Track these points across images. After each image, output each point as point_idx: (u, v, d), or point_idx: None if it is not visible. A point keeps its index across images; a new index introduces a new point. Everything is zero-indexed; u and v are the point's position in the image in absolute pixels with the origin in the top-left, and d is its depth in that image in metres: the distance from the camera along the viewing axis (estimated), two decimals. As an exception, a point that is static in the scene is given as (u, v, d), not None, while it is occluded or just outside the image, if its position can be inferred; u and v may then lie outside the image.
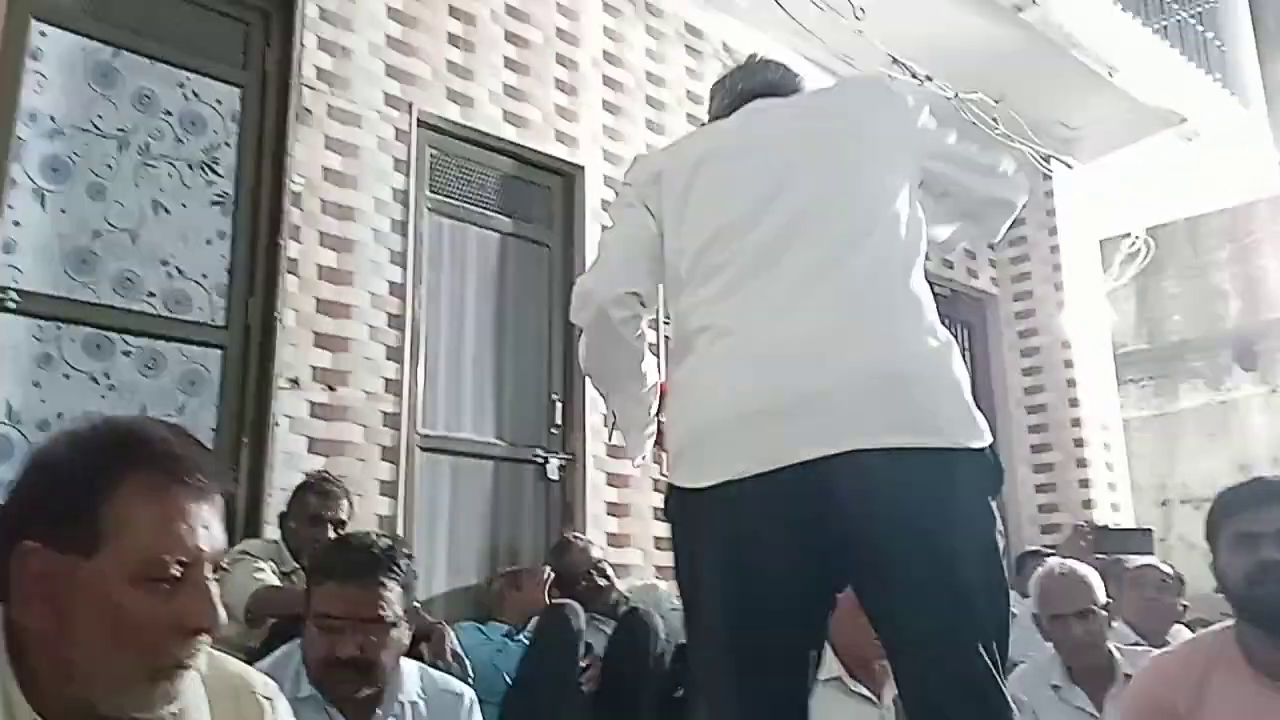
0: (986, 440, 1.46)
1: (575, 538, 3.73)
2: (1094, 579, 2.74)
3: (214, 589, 1.02)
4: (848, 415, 1.39)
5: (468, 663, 2.63)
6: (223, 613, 1.02)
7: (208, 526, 1.02)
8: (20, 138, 3.09)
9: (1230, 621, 1.90)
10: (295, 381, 3.39)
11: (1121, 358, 7.01)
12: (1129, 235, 7.06)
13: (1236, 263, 7.37)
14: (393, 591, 1.86)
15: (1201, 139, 6.26)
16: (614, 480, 4.19)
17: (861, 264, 1.50)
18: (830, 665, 2.40)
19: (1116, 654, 2.68)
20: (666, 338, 1.88)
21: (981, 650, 1.37)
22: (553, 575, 3.43)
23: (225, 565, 2.60)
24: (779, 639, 1.47)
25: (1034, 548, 5.05)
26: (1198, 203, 7.22)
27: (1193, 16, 6.44)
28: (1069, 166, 6.31)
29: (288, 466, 3.29)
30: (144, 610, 0.97)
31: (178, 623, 0.99)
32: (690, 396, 1.57)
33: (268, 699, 1.19)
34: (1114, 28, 5.71)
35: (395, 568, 1.87)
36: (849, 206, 1.56)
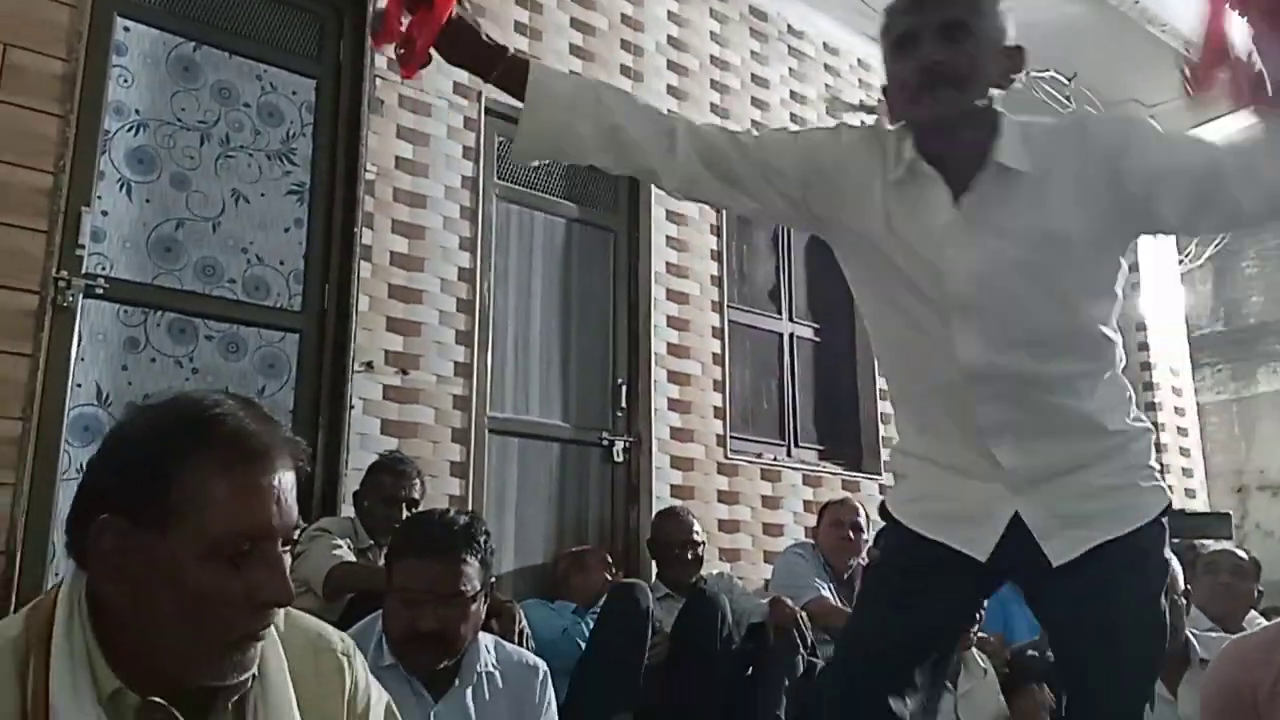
0: None
1: (682, 509, 3.78)
2: (1177, 566, 2.70)
3: (285, 562, 1.03)
4: None
5: (533, 641, 2.68)
6: (292, 586, 1.04)
7: (279, 501, 1.03)
8: (107, 131, 3.20)
9: None
10: (369, 365, 3.48)
11: (1197, 340, 6.84)
12: (1206, 215, 6.86)
13: (1318, 242, 7.14)
14: (472, 567, 1.90)
15: (1282, 115, 6.08)
16: (678, 463, 4.23)
17: None
18: None
19: (1193, 639, 2.65)
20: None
21: None
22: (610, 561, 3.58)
23: (298, 539, 2.67)
24: None
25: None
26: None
27: (1274, -12, 6.25)
28: (1143, 145, 6.16)
29: (362, 448, 3.38)
30: (215, 585, 0.98)
31: (250, 597, 1.00)
32: None
33: (345, 655, 1.19)
34: (1190, 1, 5.57)
35: (475, 544, 1.92)
36: None
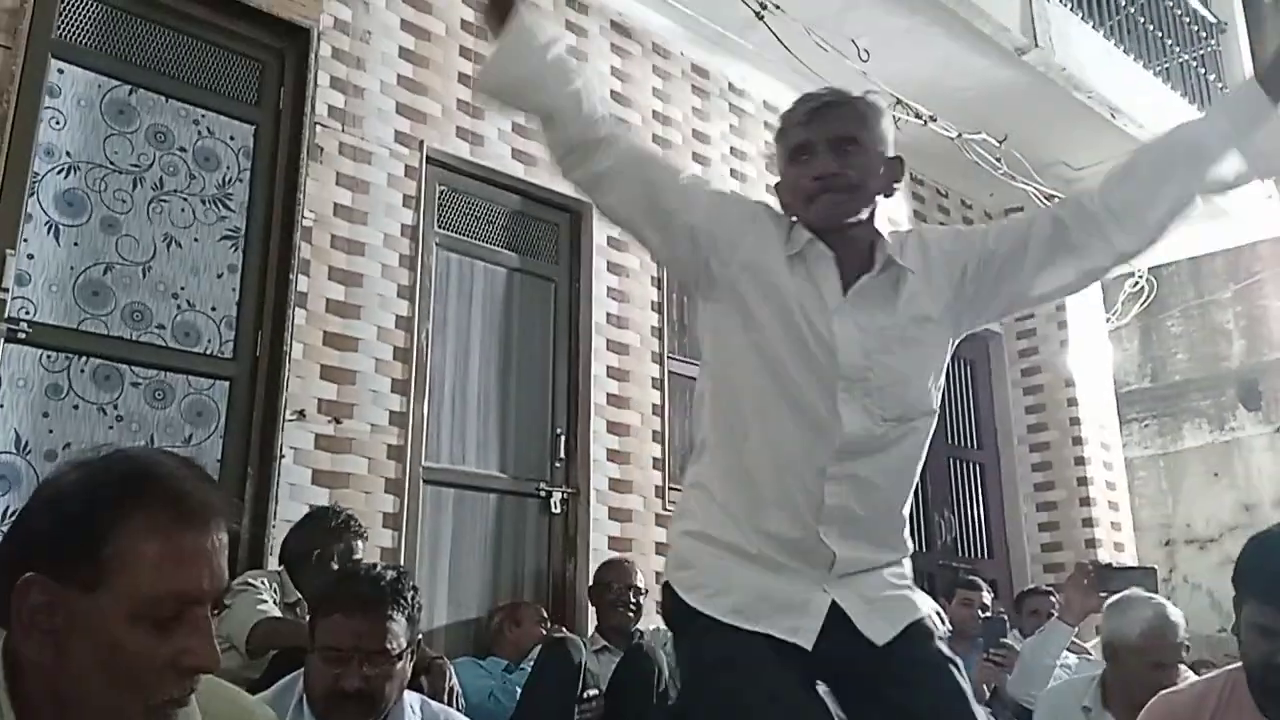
0: None
1: (627, 560, 3.76)
2: None
3: (213, 626, 1.02)
4: None
5: (464, 699, 2.63)
6: (219, 651, 1.02)
7: (210, 564, 1.02)
8: (36, 173, 3.14)
9: (1240, 664, 1.89)
10: (301, 413, 3.42)
11: (1124, 397, 7.01)
12: (1131, 274, 7.09)
13: (1239, 302, 7.38)
14: (399, 624, 1.87)
15: (1203, 180, 6.30)
16: (616, 514, 4.20)
17: None
18: None
19: None
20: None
21: None
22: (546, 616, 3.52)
23: (226, 601, 2.60)
24: None
25: (1033, 586, 5.07)
26: (1200, 242, 7.25)
27: (1194, 59, 6.52)
28: (1071, 206, 6.35)
29: (292, 498, 3.31)
30: (142, 648, 0.97)
31: (175, 662, 0.99)
32: None
33: None
34: (1116, 70, 5.78)
35: (402, 600, 1.89)
36: None
